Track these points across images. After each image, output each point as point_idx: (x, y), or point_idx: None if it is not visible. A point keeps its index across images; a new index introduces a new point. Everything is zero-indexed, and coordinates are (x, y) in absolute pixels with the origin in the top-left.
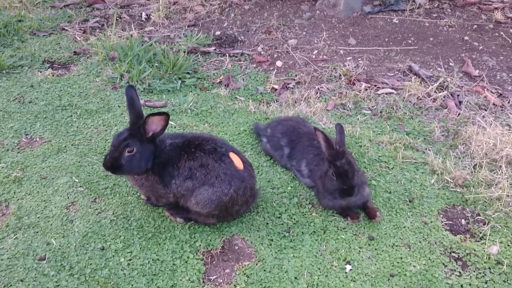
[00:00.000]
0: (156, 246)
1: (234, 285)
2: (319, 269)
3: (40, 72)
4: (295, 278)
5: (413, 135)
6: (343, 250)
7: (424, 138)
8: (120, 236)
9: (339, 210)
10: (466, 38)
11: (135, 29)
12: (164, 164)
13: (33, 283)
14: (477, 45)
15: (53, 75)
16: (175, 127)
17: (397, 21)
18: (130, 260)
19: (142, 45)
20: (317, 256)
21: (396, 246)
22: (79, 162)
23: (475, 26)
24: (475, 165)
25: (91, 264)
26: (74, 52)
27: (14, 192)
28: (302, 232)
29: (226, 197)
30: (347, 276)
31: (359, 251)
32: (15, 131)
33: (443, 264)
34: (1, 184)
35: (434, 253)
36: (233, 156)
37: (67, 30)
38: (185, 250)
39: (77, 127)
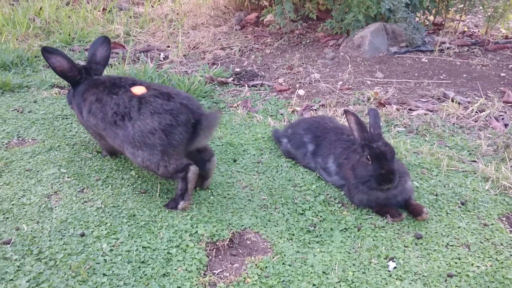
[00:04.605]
0: (148, 234)
1: (244, 278)
2: (353, 265)
3: (46, 91)
4: (324, 272)
5: (457, 149)
6: (383, 248)
7: (470, 153)
8: (106, 223)
9: (376, 207)
10: (503, 74)
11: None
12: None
13: None
14: None
15: (59, 93)
16: None
17: (426, 60)
18: (114, 246)
19: (157, 71)
20: (351, 253)
21: (451, 246)
22: (71, 157)
23: (511, 65)
24: None
25: (65, 249)
26: None
27: None
28: (331, 228)
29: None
30: (391, 274)
31: (404, 249)
32: (7, 133)
33: None
34: None
35: (502, 254)
36: (135, 88)
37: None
38: (184, 239)
39: (76, 132)
